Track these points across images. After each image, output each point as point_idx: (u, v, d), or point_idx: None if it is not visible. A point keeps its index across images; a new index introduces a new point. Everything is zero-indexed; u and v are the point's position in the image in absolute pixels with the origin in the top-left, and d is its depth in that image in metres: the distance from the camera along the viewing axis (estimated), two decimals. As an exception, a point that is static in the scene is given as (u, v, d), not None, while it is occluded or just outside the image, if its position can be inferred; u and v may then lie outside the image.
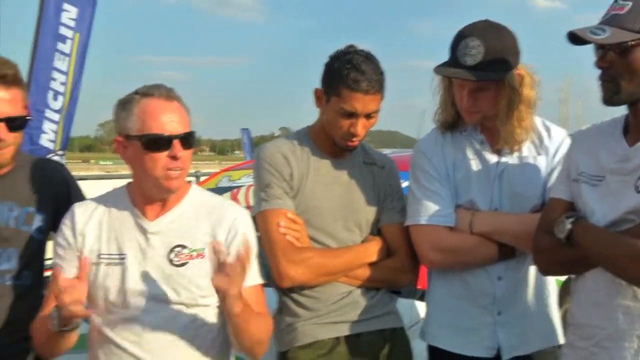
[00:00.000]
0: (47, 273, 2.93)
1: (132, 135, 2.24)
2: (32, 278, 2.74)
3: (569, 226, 2.21)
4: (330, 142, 2.70)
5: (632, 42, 2.07)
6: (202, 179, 10.35)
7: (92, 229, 2.40)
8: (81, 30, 6.66)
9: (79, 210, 2.44)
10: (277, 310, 2.74)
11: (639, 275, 2.08)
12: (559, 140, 2.68)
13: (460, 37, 2.55)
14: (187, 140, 2.29)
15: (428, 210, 2.66)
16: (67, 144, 6.69)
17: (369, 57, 2.61)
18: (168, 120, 2.24)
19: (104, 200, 2.47)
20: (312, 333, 2.65)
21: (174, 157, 2.23)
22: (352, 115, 2.57)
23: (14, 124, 2.58)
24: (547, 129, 2.74)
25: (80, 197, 2.80)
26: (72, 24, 6.57)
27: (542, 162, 2.68)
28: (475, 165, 2.69)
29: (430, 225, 2.65)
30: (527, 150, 2.69)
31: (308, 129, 2.80)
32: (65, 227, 2.42)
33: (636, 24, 2.07)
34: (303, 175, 2.70)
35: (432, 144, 2.77)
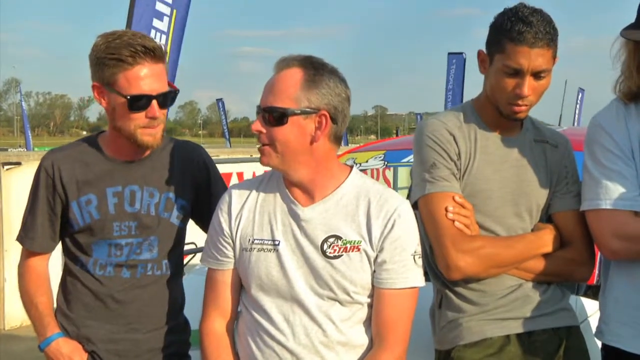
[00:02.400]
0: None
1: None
2: (172, 267, 2.79)
3: None
4: (496, 114, 2.58)
5: None
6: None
7: (246, 213, 2.43)
8: (178, 7, 6.72)
9: (235, 195, 2.47)
10: (435, 305, 2.68)
11: None
12: None
13: None
14: None
15: (610, 193, 2.51)
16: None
17: (537, 11, 2.48)
18: None
19: (257, 183, 2.48)
20: (479, 330, 2.56)
21: None
22: (517, 73, 2.46)
23: (165, 100, 2.63)
24: None
25: (220, 183, 2.85)
26: (167, 8, 6.65)
27: None
28: None
29: (613, 210, 2.50)
30: None
31: (472, 102, 2.69)
32: (221, 212, 2.47)
33: None
34: (470, 154, 2.60)
35: (612, 117, 2.60)
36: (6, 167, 6.30)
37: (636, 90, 2.54)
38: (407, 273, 2.34)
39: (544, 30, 2.43)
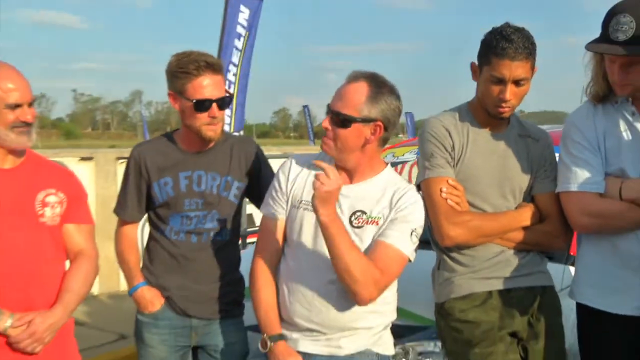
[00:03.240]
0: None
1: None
2: (230, 234, 2.92)
3: None
4: (486, 114, 2.67)
5: None
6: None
7: (300, 180, 2.57)
8: (250, 29, 6.99)
9: (293, 165, 2.62)
10: (435, 267, 2.78)
11: None
12: None
13: (612, 14, 2.43)
14: None
15: (578, 178, 2.58)
16: (240, 127, 7.04)
17: (519, 30, 2.56)
18: None
19: (309, 160, 2.61)
20: (467, 286, 2.66)
21: None
22: (501, 81, 2.54)
23: (222, 103, 2.76)
24: None
25: (269, 169, 2.95)
26: (245, 23, 6.92)
27: None
28: (626, 135, 2.57)
29: (581, 192, 2.57)
30: None
31: (467, 104, 2.77)
32: (282, 175, 2.61)
33: None
34: (463, 146, 2.69)
35: (583, 116, 2.67)
36: (121, 160, 6.53)
37: (602, 94, 2.59)
38: (401, 237, 2.42)
39: (523, 46, 2.51)
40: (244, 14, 6.86)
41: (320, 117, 2.68)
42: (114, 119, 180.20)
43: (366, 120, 2.40)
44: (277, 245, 2.62)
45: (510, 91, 2.54)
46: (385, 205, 2.48)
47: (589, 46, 2.49)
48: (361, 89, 2.42)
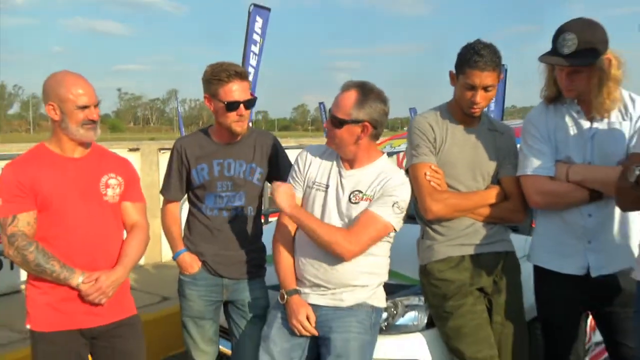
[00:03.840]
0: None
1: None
2: (254, 211, 3.05)
3: (637, 172, 2.15)
4: (462, 113, 2.78)
5: None
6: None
7: (314, 165, 2.76)
8: (263, 35, 7.21)
9: (310, 152, 2.81)
10: (420, 236, 2.90)
11: None
12: None
13: (559, 32, 2.55)
14: None
15: (533, 164, 2.71)
16: (250, 117, 7.25)
17: (488, 46, 2.67)
18: None
19: (324, 149, 2.79)
20: (444, 251, 2.78)
21: None
22: (473, 88, 2.66)
23: (248, 104, 2.90)
24: (633, 100, 2.68)
25: (286, 158, 3.06)
26: (259, 31, 7.18)
27: (626, 127, 2.64)
28: (572, 130, 2.70)
29: (535, 175, 2.70)
30: (614, 117, 2.65)
31: (447, 104, 2.87)
32: (300, 161, 2.80)
33: None
34: (443, 139, 2.79)
35: (537, 114, 2.79)
36: (162, 151, 6.62)
37: (553, 96, 2.73)
38: (383, 207, 2.58)
39: (491, 60, 2.63)
40: (258, 23, 7.11)
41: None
42: (153, 115, 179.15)
43: (355, 122, 2.56)
44: (290, 229, 2.77)
45: (480, 95, 2.68)
46: (377, 185, 2.63)
47: (542, 58, 2.62)
48: (351, 96, 2.57)
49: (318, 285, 2.65)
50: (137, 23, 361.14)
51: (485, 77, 2.65)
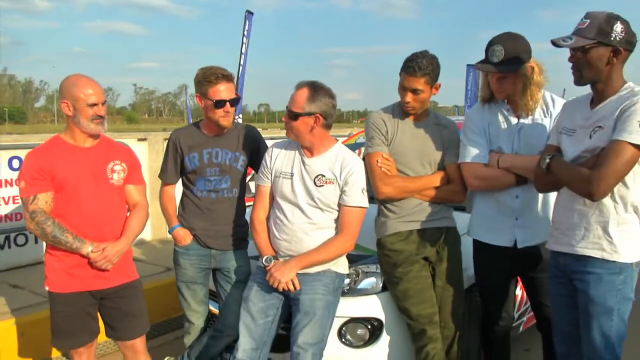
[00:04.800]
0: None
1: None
2: (238, 192, 3.12)
3: (547, 161, 2.36)
4: None
5: (588, 46, 2.22)
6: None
7: (279, 158, 2.81)
8: (248, 37, 7.37)
9: (275, 149, 2.87)
10: (376, 214, 2.99)
11: (580, 190, 2.23)
12: (559, 108, 2.73)
13: (490, 44, 2.68)
14: None
15: (471, 153, 2.83)
16: (240, 111, 7.37)
17: (425, 55, 2.73)
18: None
19: (287, 143, 2.86)
20: (395, 226, 2.88)
21: None
22: (405, 89, 2.74)
23: (233, 102, 2.96)
24: (553, 100, 2.81)
25: (265, 147, 3.07)
26: (246, 33, 7.35)
27: (547, 122, 2.77)
28: (503, 124, 2.82)
29: (472, 162, 2.82)
30: (537, 114, 2.78)
31: (399, 102, 2.90)
32: (267, 155, 2.86)
33: (591, 34, 2.20)
34: (394, 132, 2.88)
35: (475, 111, 2.92)
36: (166, 141, 6.63)
37: (487, 97, 2.86)
38: (357, 198, 2.71)
39: (423, 67, 2.70)
40: (246, 25, 7.27)
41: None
42: (165, 107, 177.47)
43: (308, 114, 2.64)
44: (267, 203, 2.88)
45: (410, 96, 2.77)
46: (337, 169, 2.72)
47: (476, 66, 2.76)
48: (303, 93, 2.66)
49: (290, 256, 2.75)
50: (152, 25, 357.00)
51: (413, 82, 2.72)
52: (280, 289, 2.70)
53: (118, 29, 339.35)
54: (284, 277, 2.67)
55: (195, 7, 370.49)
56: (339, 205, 2.74)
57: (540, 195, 2.81)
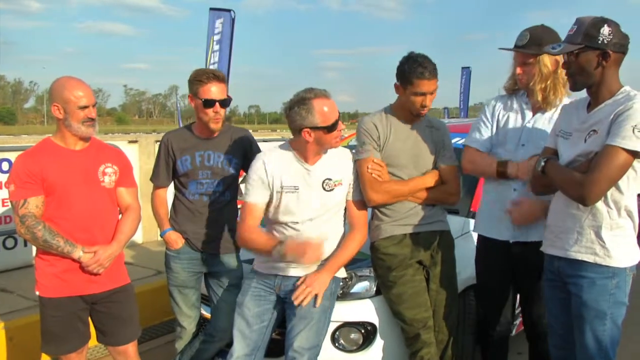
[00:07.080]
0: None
1: (317, 126, 2.58)
2: (231, 196, 3.11)
3: (542, 164, 2.37)
4: (406, 113, 2.83)
5: (577, 51, 2.23)
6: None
7: (277, 172, 2.69)
8: (231, 37, 7.29)
9: (268, 160, 2.71)
10: (370, 217, 2.95)
11: (573, 194, 2.24)
12: None
13: (522, 32, 2.71)
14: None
15: (472, 137, 2.92)
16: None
17: (424, 57, 2.74)
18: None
19: (278, 152, 2.75)
20: (389, 230, 2.87)
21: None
22: (423, 94, 2.73)
23: (223, 103, 2.95)
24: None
25: (257, 150, 3.05)
26: (217, 32, 7.37)
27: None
28: (517, 116, 2.85)
29: (468, 146, 2.91)
30: (556, 114, 2.71)
31: (390, 106, 2.91)
32: (259, 169, 2.69)
33: (578, 39, 2.22)
34: (387, 135, 2.85)
35: (494, 99, 2.98)
36: (158, 143, 6.54)
37: (511, 88, 2.89)
38: (357, 191, 2.77)
39: (431, 68, 2.69)
40: (217, 29, 7.28)
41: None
42: (156, 109, 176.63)
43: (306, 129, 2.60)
44: (258, 221, 2.75)
45: (429, 99, 2.76)
46: (341, 170, 2.75)
47: (500, 48, 2.77)
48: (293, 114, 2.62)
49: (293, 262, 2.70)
50: (143, 26, 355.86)
51: (431, 85, 2.73)
52: (306, 303, 2.64)
53: (109, 29, 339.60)
54: (323, 289, 2.67)
55: (186, 8, 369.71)
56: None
57: None
